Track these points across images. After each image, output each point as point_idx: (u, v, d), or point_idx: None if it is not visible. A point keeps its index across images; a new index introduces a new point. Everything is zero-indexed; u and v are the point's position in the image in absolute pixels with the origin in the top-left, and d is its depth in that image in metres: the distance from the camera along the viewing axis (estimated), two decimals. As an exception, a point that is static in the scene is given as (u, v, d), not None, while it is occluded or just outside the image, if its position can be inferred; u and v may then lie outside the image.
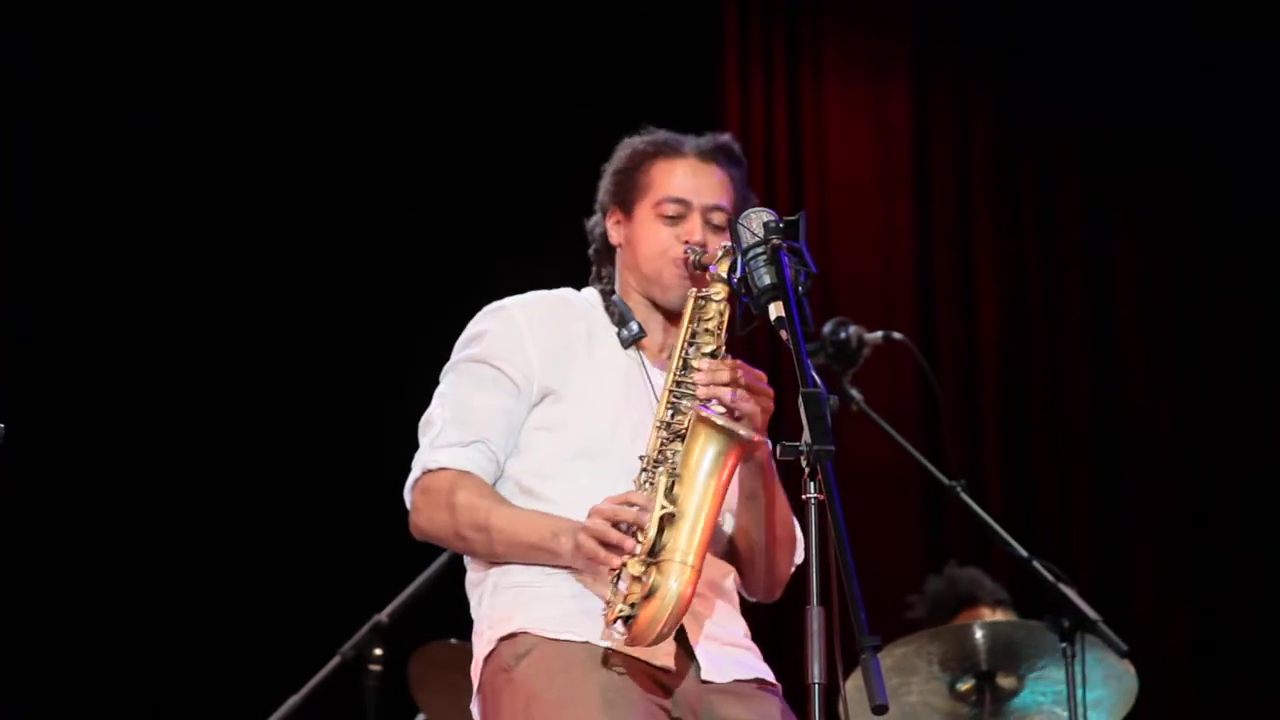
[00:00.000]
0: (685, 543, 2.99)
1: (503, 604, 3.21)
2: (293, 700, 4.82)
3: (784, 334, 2.98)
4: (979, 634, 4.64)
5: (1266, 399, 6.94)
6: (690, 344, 3.17)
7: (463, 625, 5.04)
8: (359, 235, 6.62)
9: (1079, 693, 4.39)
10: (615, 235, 3.38)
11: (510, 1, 6.76)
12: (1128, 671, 4.56)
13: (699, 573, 2.99)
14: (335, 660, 4.85)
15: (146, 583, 6.23)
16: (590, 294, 3.42)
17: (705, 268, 3.19)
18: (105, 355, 6.33)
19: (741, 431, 3.03)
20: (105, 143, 6.37)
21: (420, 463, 3.24)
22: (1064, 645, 4.41)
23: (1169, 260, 7.07)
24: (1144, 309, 7.04)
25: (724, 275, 3.14)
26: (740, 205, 3.33)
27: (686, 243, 3.26)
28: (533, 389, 3.26)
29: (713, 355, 3.15)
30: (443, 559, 4.88)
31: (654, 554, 2.97)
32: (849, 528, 2.81)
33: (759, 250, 3.01)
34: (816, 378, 2.95)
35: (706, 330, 3.16)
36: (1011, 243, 7.09)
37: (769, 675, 3.27)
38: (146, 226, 6.43)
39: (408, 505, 3.25)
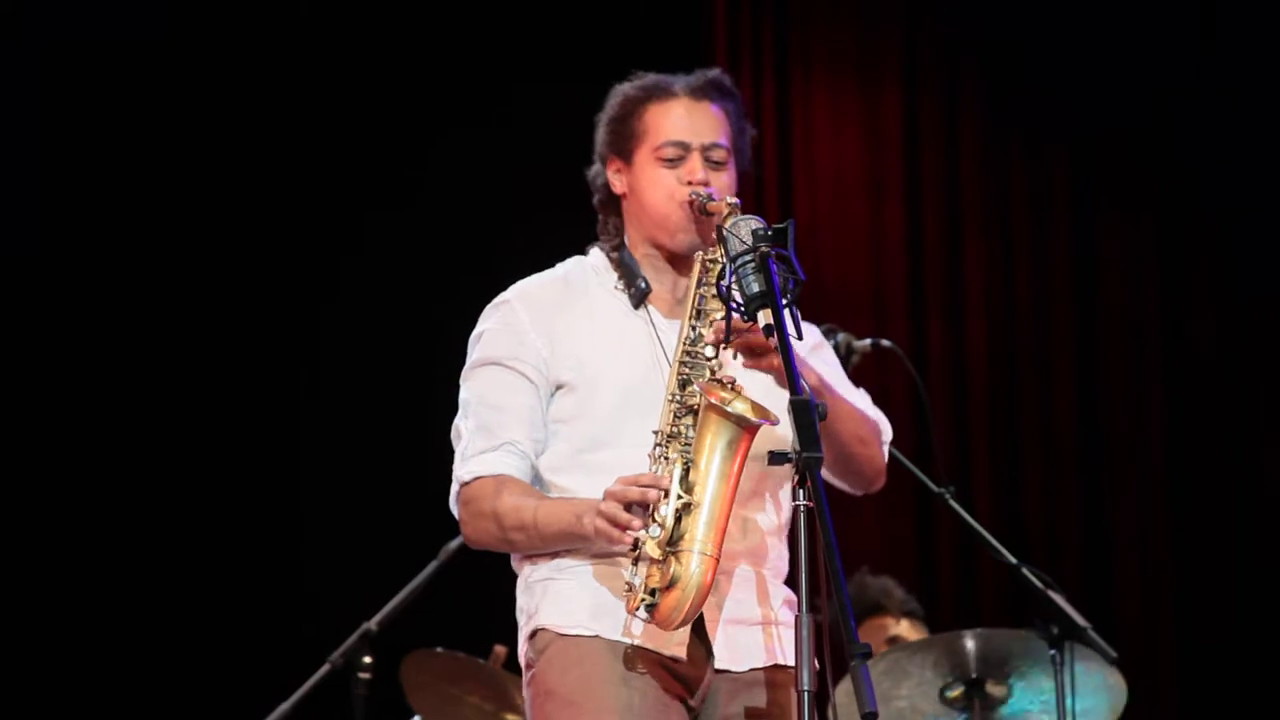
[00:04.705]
0: (704, 531, 3.01)
1: (531, 601, 3.26)
2: (282, 708, 4.81)
3: (773, 341, 2.99)
4: (969, 641, 4.64)
5: (1254, 404, 6.94)
6: (698, 310, 3.17)
7: (451, 633, 5.08)
8: (357, 230, 6.63)
9: (1068, 700, 4.39)
10: (618, 184, 3.38)
11: (501, 3, 6.76)
12: (1117, 680, 4.56)
13: (718, 560, 3.02)
14: (324, 668, 4.85)
15: (137, 590, 6.23)
16: (596, 257, 3.41)
17: (710, 213, 3.19)
18: (103, 353, 6.34)
19: (752, 417, 3.04)
20: (107, 136, 6.37)
21: (456, 477, 3.28)
22: (1053, 653, 4.40)
23: (1158, 268, 7.07)
24: (1132, 315, 7.04)
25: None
26: (737, 138, 3.35)
27: (690, 183, 3.26)
28: (547, 379, 3.28)
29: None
30: (431, 567, 4.88)
31: (673, 544, 3.00)
32: (838, 534, 2.82)
33: (748, 258, 3.01)
34: (805, 385, 2.96)
35: (715, 296, 3.16)
36: (1001, 248, 7.08)
37: (788, 659, 3.22)
38: (148, 220, 6.44)
39: (457, 518, 3.29)
